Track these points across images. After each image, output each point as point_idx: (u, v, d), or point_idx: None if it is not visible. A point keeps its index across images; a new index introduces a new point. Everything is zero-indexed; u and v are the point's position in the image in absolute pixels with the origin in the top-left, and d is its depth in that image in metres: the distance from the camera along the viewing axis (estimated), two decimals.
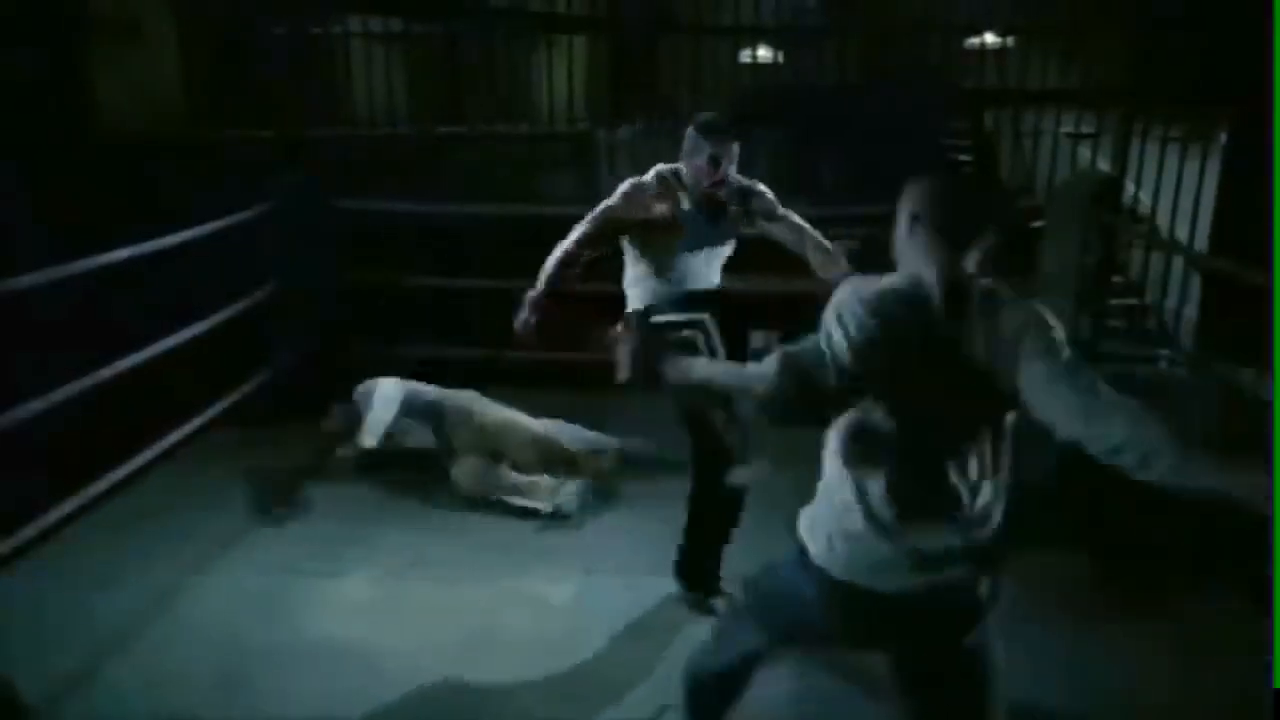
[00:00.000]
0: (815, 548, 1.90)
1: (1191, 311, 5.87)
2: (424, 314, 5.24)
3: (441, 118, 7.73)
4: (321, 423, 4.37)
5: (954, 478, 1.83)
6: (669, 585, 3.27)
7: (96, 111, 6.92)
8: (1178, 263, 5.03)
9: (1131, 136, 5.98)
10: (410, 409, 4.29)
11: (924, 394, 1.83)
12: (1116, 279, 6.03)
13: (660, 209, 3.03)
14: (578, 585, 3.44)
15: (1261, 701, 2.15)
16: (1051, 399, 1.81)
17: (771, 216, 3.13)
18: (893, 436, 1.83)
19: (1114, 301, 5.87)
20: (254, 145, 6.82)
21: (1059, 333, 1.86)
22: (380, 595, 3.40)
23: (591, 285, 3.25)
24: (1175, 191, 5.69)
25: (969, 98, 8.62)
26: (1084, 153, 7.46)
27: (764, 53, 10.65)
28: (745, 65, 10.17)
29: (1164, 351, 5.57)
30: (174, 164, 6.58)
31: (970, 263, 1.90)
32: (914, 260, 1.90)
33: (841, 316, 1.82)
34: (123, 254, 3.72)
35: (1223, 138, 6.40)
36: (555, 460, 4.15)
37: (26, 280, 3.24)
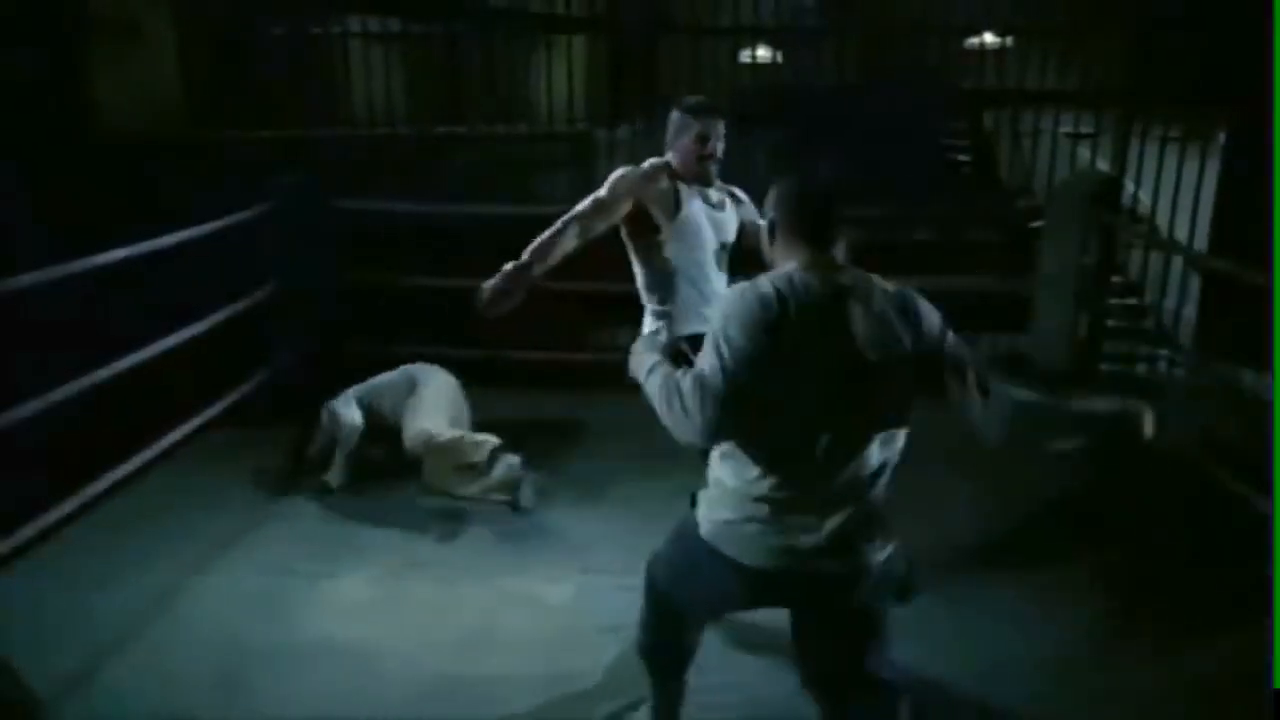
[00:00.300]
0: (702, 524, 2.10)
1: (1191, 311, 5.88)
2: (423, 314, 5.24)
3: (441, 118, 7.73)
4: (309, 450, 4.30)
5: (818, 463, 1.96)
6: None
7: (96, 112, 6.92)
8: (1177, 263, 5.03)
9: (1131, 136, 5.99)
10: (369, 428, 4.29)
11: (787, 384, 1.95)
12: (1116, 279, 6.03)
13: (656, 188, 2.93)
14: (575, 585, 3.44)
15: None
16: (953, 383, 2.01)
17: (754, 222, 3.01)
18: (761, 423, 1.97)
19: (1113, 301, 5.88)
20: (254, 145, 6.82)
21: (936, 316, 2.03)
22: (378, 595, 3.40)
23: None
24: (1175, 191, 5.69)
25: (968, 98, 8.63)
26: (1083, 153, 7.46)
27: (763, 53, 10.66)
28: (745, 65, 10.18)
29: (1163, 351, 5.57)
30: (174, 164, 6.58)
31: (838, 255, 2.04)
32: (782, 261, 2.06)
33: (721, 320, 1.96)
34: (121, 254, 3.72)
35: (1222, 137, 6.40)
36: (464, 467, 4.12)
37: (26, 280, 3.24)
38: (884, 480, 2.03)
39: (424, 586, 3.44)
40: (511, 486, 4.01)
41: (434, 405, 4.27)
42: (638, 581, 3.24)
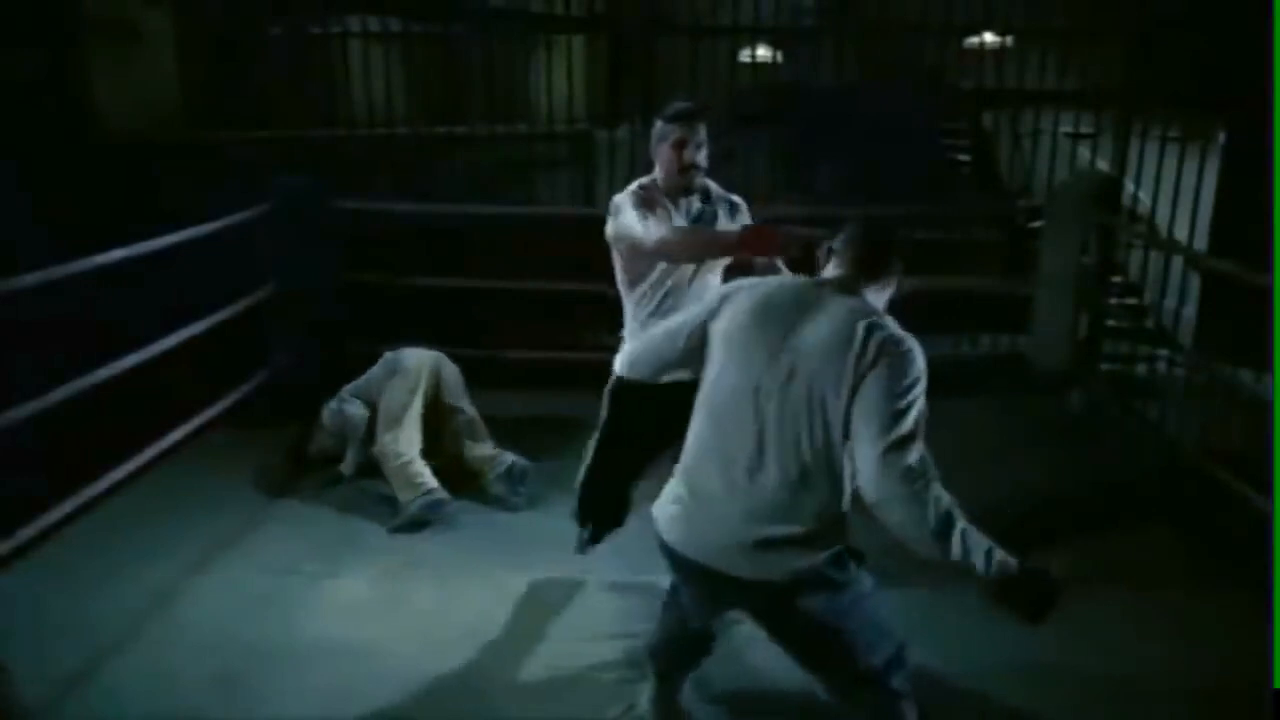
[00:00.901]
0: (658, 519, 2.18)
1: (1191, 311, 5.88)
2: (423, 314, 5.24)
3: (441, 118, 7.73)
4: (309, 447, 4.35)
5: (746, 465, 2.01)
6: (666, 584, 3.26)
7: (95, 112, 6.92)
8: (1177, 263, 5.03)
9: (1131, 136, 5.99)
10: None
11: (726, 381, 2.06)
12: (1116, 279, 6.04)
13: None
14: (576, 585, 3.44)
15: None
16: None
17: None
18: (698, 422, 2.09)
19: (1113, 301, 5.89)
20: (253, 146, 6.82)
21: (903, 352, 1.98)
22: (378, 595, 3.40)
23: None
24: (1175, 191, 5.69)
25: (968, 98, 8.64)
26: (1083, 153, 7.46)
27: (764, 52, 10.65)
28: (745, 65, 10.18)
29: (1163, 351, 5.58)
30: (173, 164, 6.59)
31: (868, 287, 2.12)
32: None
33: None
34: (121, 254, 3.72)
35: (1222, 138, 6.41)
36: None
37: (26, 280, 3.23)
38: (828, 498, 2.01)
39: (424, 586, 3.44)
40: (508, 480, 4.06)
41: (397, 409, 4.18)
42: (638, 581, 3.24)
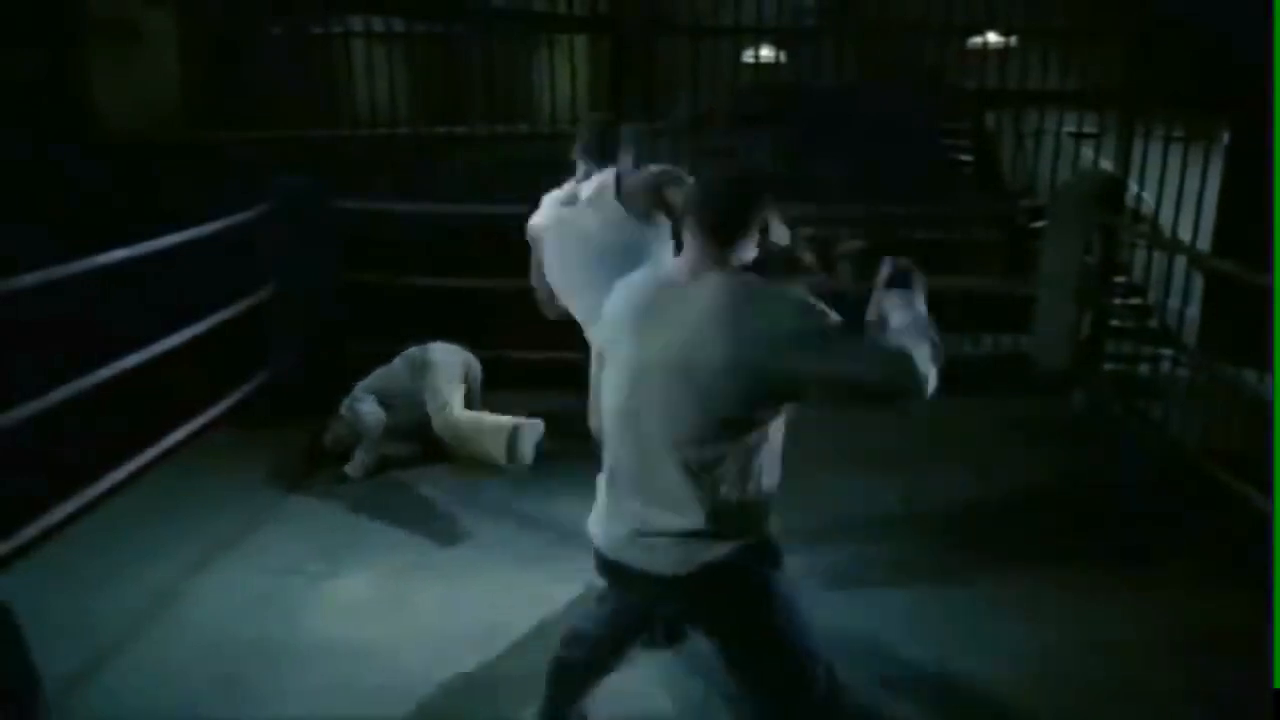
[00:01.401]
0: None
1: (1194, 311, 5.87)
2: (424, 314, 5.24)
3: (442, 118, 7.73)
4: (325, 437, 4.37)
5: (651, 460, 1.97)
6: None
7: (96, 112, 6.93)
8: (1180, 262, 5.02)
9: (1134, 136, 5.98)
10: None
11: (611, 381, 2.05)
12: (1119, 279, 6.03)
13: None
14: (581, 585, 3.42)
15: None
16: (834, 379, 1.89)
17: None
18: (610, 417, 2.06)
19: (1117, 301, 5.88)
20: (253, 146, 6.82)
21: (812, 318, 1.89)
22: (381, 595, 3.39)
23: None
24: (1178, 191, 5.68)
25: (970, 98, 8.63)
26: (1086, 153, 7.45)
27: (766, 52, 10.64)
28: (747, 65, 10.16)
29: (1167, 351, 5.57)
30: (174, 164, 6.59)
31: (729, 254, 2.00)
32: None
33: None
34: (122, 254, 3.72)
35: (1225, 138, 6.40)
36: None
37: (26, 280, 3.23)
38: (716, 482, 1.94)
39: (427, 586, 3.43)
40: (513, 442, 4.22)
41: (448, 383, 4.44)
42: None
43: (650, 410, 1.96)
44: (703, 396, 1.89)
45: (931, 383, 1.85)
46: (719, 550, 1.95)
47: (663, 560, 1.99)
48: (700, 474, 1.93)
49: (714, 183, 2.14)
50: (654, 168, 3.07)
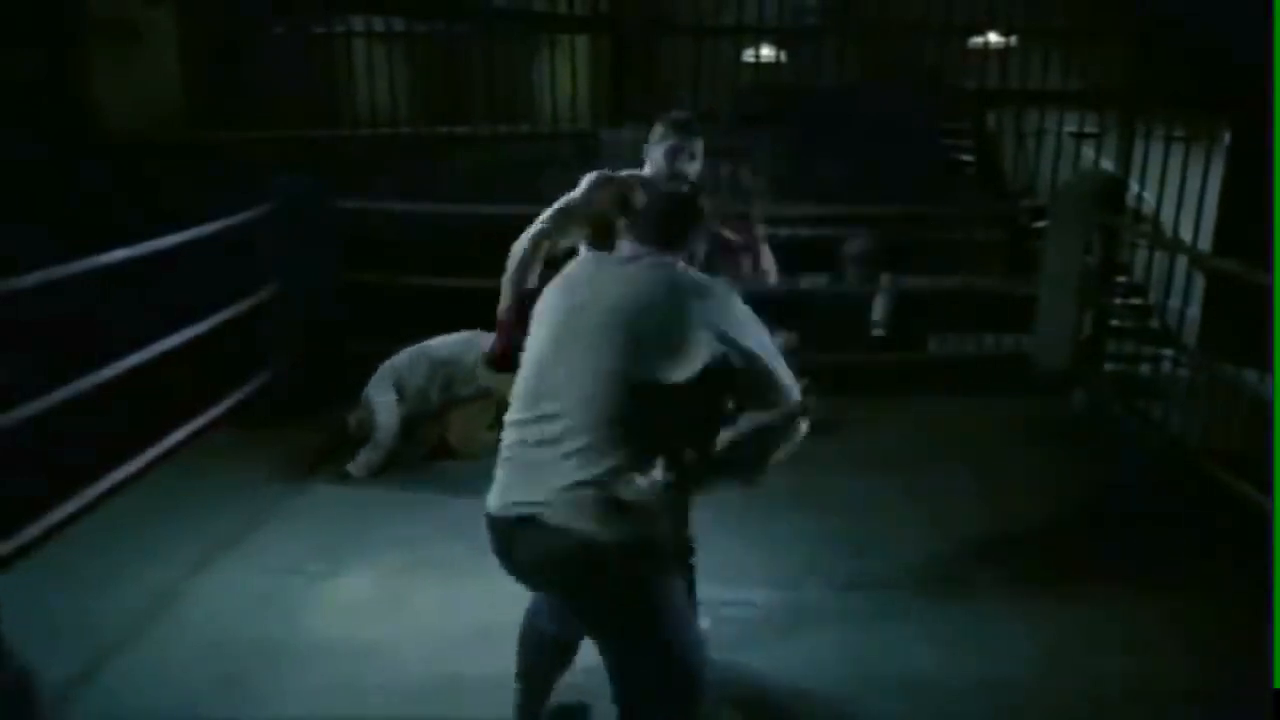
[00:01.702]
0: None
1: (1195, 311, 5.87)
2: (424, 314, 5.24)
3: (443, 118, 7.73)
4: (349, 419, 4.39)
5: (548, 436, 1.99)
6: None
7: (96, 112, 6.92)
8: (1181, 262, 5.02)
9: (1135, 136, 5.98)
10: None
11: (532, 353, 2.10)
12: (1120, 279, 6.03)
13: (610, 194, 2.91)
14: None
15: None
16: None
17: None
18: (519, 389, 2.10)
19: (1117, 301, 5.88)
20: (254, 146, 6.82)
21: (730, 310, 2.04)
22: (381, 594, 3.39)
23: None
24: (1179, 191, 5.68)
25: (971, 98, 8.62)
26: (1087, 153, 7.45)
27: (767, 52, 10.63)
28: (748, 64, 10.16)
29: (1168, 351, 5.57)
30: (173, 165, 6.58)
31: (632, 241, 2.18)
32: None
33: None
34: (122, 254, 3.72)
35: (1226, 137, 6.39)
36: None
37: (26, 280, 3.23)
38: (628, 470, 1.93)
39: (427, 586, 3.43)
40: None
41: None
42: None
43: (570, 362, 2.01)
44: (618, 353, 1.95)
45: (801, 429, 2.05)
46: (608, 532, 1.92)
47: (556, 511, 1.97)
48: (601, 446, 1.93)
49: (657, 200, 2.33)
50: (625, 172, 3.04)
